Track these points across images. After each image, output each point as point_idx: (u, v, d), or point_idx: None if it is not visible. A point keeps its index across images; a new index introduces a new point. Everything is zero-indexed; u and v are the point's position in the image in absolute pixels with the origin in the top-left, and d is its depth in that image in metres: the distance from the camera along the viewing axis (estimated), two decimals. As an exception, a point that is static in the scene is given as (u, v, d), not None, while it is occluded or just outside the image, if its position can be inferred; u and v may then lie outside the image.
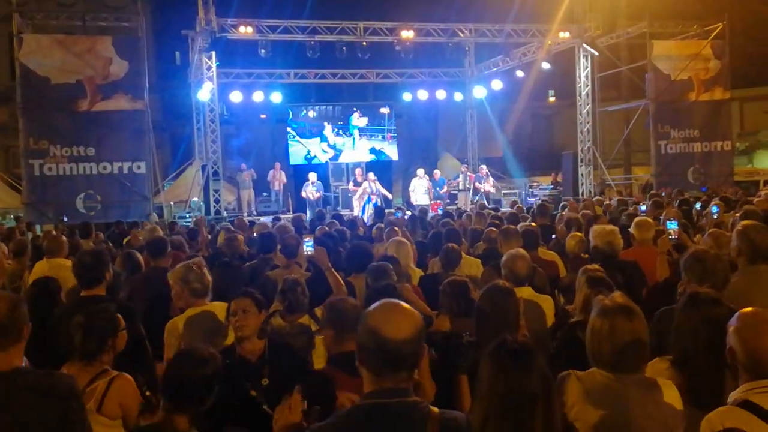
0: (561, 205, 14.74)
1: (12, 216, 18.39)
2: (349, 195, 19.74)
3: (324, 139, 23.07)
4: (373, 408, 2.14)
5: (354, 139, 23.41)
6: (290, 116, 22.93)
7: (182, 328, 4.26)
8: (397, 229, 7.76)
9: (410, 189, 19.85)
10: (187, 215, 17.63)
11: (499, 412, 2.23)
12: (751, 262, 4.36)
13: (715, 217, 7.72)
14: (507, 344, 2.34)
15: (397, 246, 6.25)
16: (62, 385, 2.81)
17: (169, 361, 3.15)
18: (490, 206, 15.48)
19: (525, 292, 4.58)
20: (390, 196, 20.44)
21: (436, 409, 2.18)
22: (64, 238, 7.02)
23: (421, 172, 19.99)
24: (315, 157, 22.86)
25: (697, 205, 10.01)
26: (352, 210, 18.44)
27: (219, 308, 4.34)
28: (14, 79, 17.24)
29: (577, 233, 6.68)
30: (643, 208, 9.62)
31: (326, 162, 22.73)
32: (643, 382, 2.75)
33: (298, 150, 22.88)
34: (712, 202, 8.88)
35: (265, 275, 6.04)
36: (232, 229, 9.86)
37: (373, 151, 23.60)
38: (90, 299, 4.31)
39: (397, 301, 2.28)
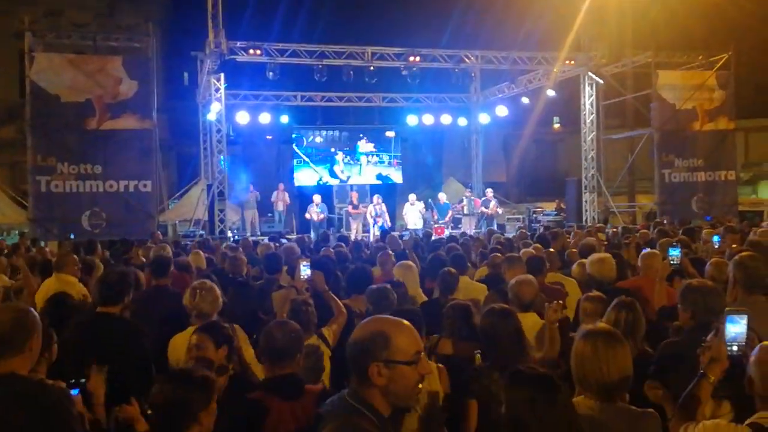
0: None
1: (16, 232, 18.48)
2: (350, 218, 19.84)
3: (335, 163, 23.26)
4: None
5: (361, 166, 23.61)
6: (298, 140, 23.04)
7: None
8: (390, 252, 7.71)
9: (403, 213, 19.89)
10: (192, 234, 17.68)
11: None
12: (748, 292, 4.36)
13: (717, 246, 7.73)
14: (524, 373, 2.38)
15: (405, 270, 6.27)
16: (50, 395, 2.85)
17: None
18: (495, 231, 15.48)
19: (530, 318, 4.60)
20: (389, 223, 20.37)
21: None
22: (74, 255, 7.08)
23: (412, 197, 20.08)
24: (326, 183, 23.01)
25: (716, 238, 8.31)
26: (350, 231, 18.56)
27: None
28: (22, 95, 17.39)
29: (583, 260, 6.67)
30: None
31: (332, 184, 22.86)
32: (626, 413, 2.78)
33: (309, 175, 23.00)
34: (714, 232, 8.86)
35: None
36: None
37: (379, 177, 23.76)
38: (104, 316, 4.44)
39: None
